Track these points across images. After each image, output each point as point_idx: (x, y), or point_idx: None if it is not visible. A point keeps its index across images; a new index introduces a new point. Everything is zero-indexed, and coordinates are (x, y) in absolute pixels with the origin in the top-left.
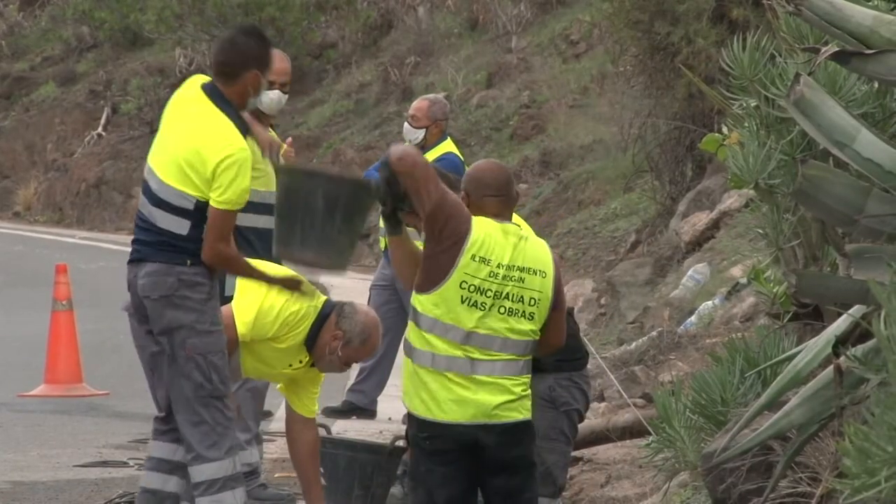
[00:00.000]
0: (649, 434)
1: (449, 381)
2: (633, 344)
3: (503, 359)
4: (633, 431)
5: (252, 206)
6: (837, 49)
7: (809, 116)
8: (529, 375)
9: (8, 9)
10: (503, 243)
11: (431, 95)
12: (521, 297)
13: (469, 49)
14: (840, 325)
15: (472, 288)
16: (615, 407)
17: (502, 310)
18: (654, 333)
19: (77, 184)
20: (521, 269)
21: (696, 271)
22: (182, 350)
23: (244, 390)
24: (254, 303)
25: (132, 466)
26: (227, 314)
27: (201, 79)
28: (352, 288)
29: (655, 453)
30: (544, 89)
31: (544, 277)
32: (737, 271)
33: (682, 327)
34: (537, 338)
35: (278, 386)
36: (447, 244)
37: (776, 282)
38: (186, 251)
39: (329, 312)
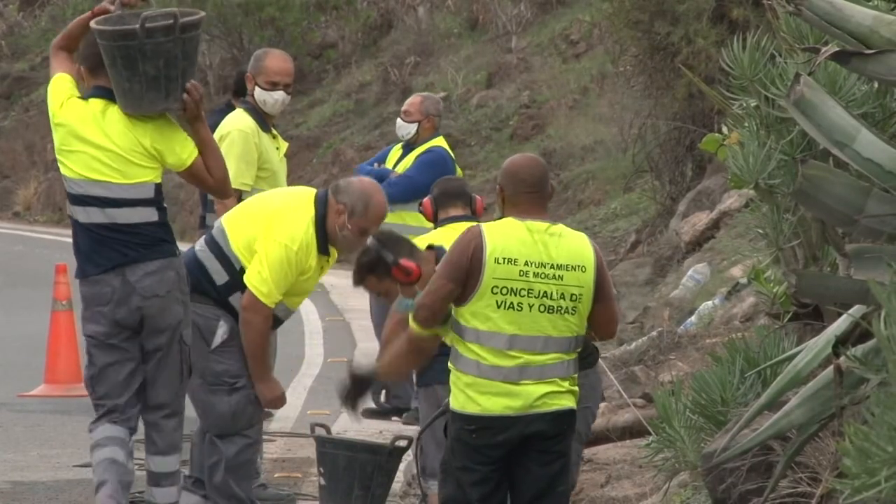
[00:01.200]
0: (649, 434)
1: (496, 382)
2: (633, 344)
3: (549, 359)
4: (633, 431)
5: None
6: (837, 49)
7: (809, 116)
8: (576, 374)
9: (8, 9)
10: (528, 241)
11: (425, 93)
12: (563, 293)
13: (469, 49)
14: (840, 325)
15: (504, 290)
16: (615, 407)
17: (542, 308)
18: (654, 333)
19: None
20: (557, 267)
21: (696, 271)
22: (177, 344)
23: None
24: (262, 268)
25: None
26: (250, 298)
27: (72, 95)
28: (348, 286)
29: (655, 453)
30: (544, 89)
31: (584, 272)
32: (737, 271)
33: (682, 327)
34: (582, 333)
35: None
36: (472, 271)
37: (776, 282)
38: (172, 242)
39: (325, 212)
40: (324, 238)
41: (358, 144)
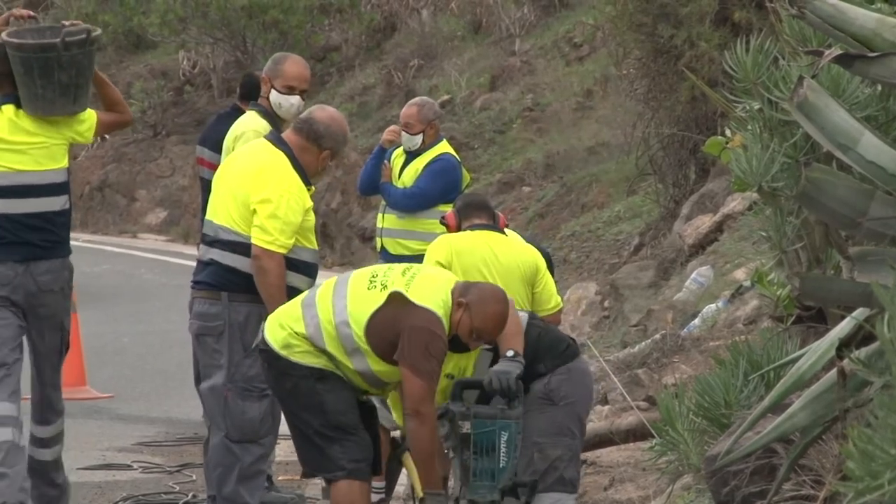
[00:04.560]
0: (653, 437)
1: None
2: (637, 347)
3: None
4: (636, 434)
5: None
6: (841, 52)
7: (813, 119)
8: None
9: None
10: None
11: (417, 99)
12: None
13: (472, 52)
14: (843, 327)
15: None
16: (618, 410)
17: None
18: (657, 336)
19: (81, 187)
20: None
21: (699, 274)
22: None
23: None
24: (263, 221)
25: (136, 469)
26: (256, 249)
27: None
28: None
29: (659, 456)
30: (547, 92)
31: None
32: (740, 274)
33: (685, 330)
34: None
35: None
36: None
37: (779, 284)
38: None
39: (290, 150)
40: (303, 172)
41: (361, 147)
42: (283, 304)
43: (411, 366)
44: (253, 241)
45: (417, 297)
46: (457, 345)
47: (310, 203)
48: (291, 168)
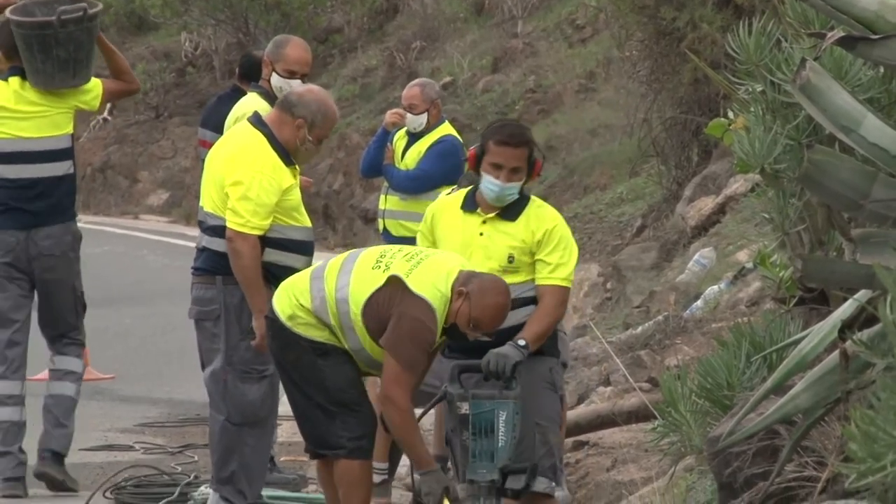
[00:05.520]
0: (655, 418)
1: None
2: (639, 328)
3: None
4: (638, 415)
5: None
6: (843, 34)
7: (815, 101)
8: None
9: None
10: None
11: (418, 80)
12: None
13: (475, 34)
14: (846, 309)
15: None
16: (621, 391)
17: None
18: (660, 318)
19: (82, 168)
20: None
21: (702, 256)
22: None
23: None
24: (234, 203)
25: (138, 450)
26: (229, 232)
27: None
28: None
29: (661, 437)
30: (550, 74)
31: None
32: (743, 256)
33: (687, 312)
34: None
35: None
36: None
37: (782, 266)
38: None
39: (269, 130)
40: (284, 152)
41: (364, 129)
42: (258, 285)
43: (392, 350)
44: (227, 223)
45: (416, 284)
46: (455, 334)
47: (289, 182)
48: (269, 148)
